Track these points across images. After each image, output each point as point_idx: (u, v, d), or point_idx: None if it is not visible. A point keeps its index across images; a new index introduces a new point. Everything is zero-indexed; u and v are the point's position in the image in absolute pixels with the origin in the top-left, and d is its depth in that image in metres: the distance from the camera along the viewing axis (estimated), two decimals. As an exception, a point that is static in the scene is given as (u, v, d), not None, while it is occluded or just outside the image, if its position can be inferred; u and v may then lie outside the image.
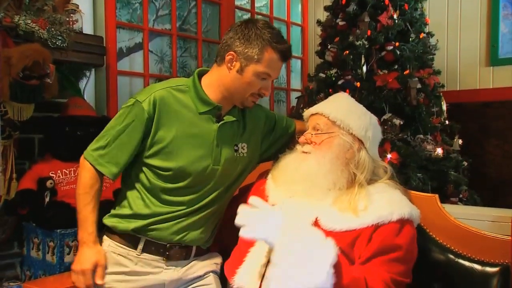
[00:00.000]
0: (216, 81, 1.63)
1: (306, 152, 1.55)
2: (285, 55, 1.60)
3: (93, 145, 1.62)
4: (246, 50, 1.56)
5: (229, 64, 1.59)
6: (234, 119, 1.66)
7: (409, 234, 1.42)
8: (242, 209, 1.31)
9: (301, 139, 1.59)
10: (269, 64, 1.57)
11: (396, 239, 1.38)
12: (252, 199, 1.34)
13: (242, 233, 1.27)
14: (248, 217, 1.29)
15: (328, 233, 1.41)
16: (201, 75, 1.68)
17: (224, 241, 1.80)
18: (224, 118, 1.64)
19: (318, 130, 1.56)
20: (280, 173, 1.60)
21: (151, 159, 1.60)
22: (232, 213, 1.78)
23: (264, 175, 1.72)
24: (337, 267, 1.25)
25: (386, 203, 1.43)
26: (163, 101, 1.58)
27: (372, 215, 1.40)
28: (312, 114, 1.62)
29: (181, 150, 1.59)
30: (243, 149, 1.69)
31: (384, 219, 1.39)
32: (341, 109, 1.57)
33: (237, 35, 1.58)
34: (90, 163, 1.60)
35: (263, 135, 1.78)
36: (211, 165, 1.61)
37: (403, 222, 1.41)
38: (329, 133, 1.54)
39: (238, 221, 1.28)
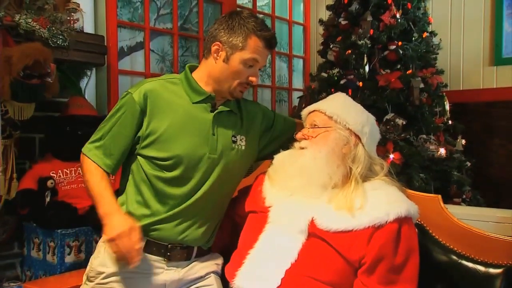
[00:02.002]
0: (205, 74, 1.65)
1: (303, 148, 1.55)
2: (270, 42, 1.62)
3: (90, 140, 1.65)
4: (231, 39, 1.58)
5: (215, 55, 1.61)
6: (229, 109, 1.67)
7: (408, 235, 1.40)
8: None
9: (298, 135, 1.60)
10: (254, 51, 1.59)
11: (397, 247, 1.37)
12: None
13: None
14: None
15: (324, 233, 1.42)
16: (192, 70, 1.70)
17: (224, 242, 1.79)
18: (219, 108, 1.65)
19: (315, 126, 1.56)
20: (277, 172, 1.60)
21: (147, 149, 1.60)
22: (231, 214, 1.78)
23: (262, 176, 1.70)
24: None
25: (382, 202, 1.42)
26: (154, 92, 1.60)
27: (369, 215, 1.39)
28: (310, 112, 1.62)
29: (176, 139, 1.59)
30: (242, 141, 1.69)
31: (380, 220, 1.37)
32: (339, 105, 1.58)
33: (222, 25, 1.61)
34: (87, 156, 1.62)
35: (261, 131, 1.78)
36: (208, 153, 1.61)
37: (400, 222, 1.39)
38: (326, 127, 1.54)
39: None
